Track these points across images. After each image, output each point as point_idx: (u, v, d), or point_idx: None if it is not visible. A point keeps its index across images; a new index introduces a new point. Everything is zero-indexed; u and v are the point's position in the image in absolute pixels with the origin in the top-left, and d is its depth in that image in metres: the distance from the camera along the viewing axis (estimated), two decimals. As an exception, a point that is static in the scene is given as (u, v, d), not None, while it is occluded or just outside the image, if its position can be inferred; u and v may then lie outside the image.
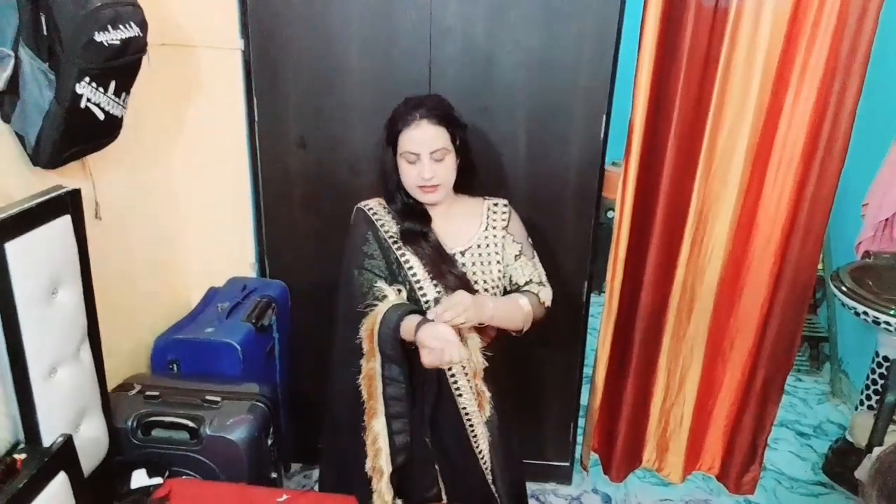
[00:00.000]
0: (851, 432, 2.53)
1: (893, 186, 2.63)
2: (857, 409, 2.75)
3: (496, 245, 1.70)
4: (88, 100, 1.55)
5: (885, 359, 2.53)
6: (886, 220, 2.69)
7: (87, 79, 1.52)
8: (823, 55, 1.84)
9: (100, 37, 1.49)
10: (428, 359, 1.44)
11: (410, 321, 1.51)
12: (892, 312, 2.32)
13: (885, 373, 2.48)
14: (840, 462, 2.62)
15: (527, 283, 1.72)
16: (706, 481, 2.55)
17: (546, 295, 1.72)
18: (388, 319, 1.53)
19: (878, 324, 2.36)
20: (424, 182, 1.58)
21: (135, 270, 2.08)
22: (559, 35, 2.02)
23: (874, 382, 2.60)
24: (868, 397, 2.63)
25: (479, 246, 1.69)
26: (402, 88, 2.01)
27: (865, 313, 2.38)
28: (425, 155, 1.56)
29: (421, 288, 1.63)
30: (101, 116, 1.61)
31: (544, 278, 1.75)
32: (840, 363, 3.36)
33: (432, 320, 1.46)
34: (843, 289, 2.47)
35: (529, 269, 1.72)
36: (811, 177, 1.96)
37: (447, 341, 1.41)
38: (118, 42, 1.55)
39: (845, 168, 1.93)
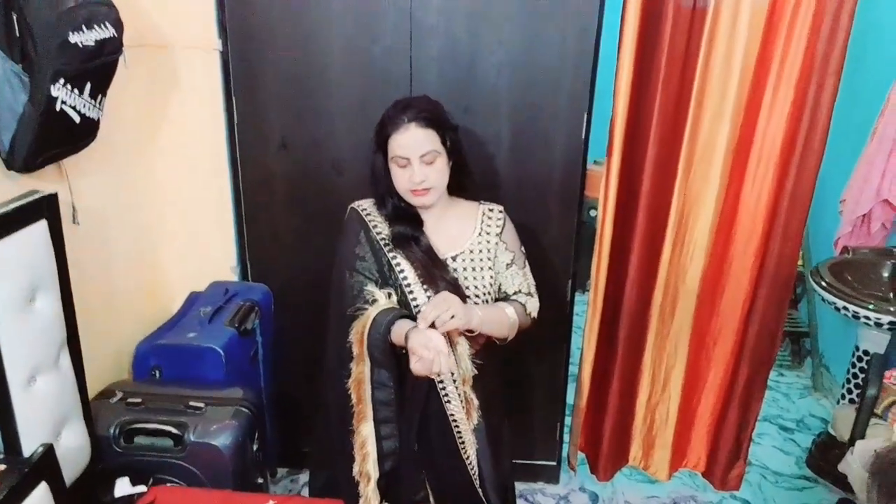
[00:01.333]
0: (834, 426, 2.56)
1: (869, 182, 2.67)
2: (838, 402, 2.79)
3: (489, 251, 1.69)
4: (63, 102, 1.52)
5: (865, 353, 2.56)
6: (863, 215, 2.73)
7: (62, 80, 1.49)
8: (800, 53, 1.86)
9: (74, 38, 1.47)
10: (417, 367, 1.43)
11: (401, 326, 1.50)
12: (871, 307, 2.35)
13: (866, 367, 2.51)
14: (823, 455, 2.65)
15: (515, 293, 1.72)
16: (692, 478, 2.57)
17: (533, 306, 1.73)
18: (377, 324, 1.52)
19: (858, 318, 2.38)
20: (416, 186, 1.57)
21: (114, 275, 2.04)
22: (541, 34, 2.02)
23: (855, 376, 2.63)
24: (849, 391, 2.66)
25: (471, 251, 1.68)
26: (383, 88, 2.02)
27: (845, 308, 2.40)
28: (415, 159, 1.55)
29: (412, 292, 1.61)
30: (77, 119, 1.58)
31: (533, 289, 1.75)
32: (821, 358, 3.40)
33: (435, 328, 1.45)
34: (823, 284, 2.50)
35: (519, 280, 1.72)
36: (790, 174, 1.98)
37: (438, 352, 1.41)
38: (93, 43, 1.53)
39: (822, 165, 1.96)
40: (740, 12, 1.85)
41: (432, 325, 1.46)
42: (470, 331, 1.55)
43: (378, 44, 2.05)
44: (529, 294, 1.73)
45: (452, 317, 1.46)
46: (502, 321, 1.63)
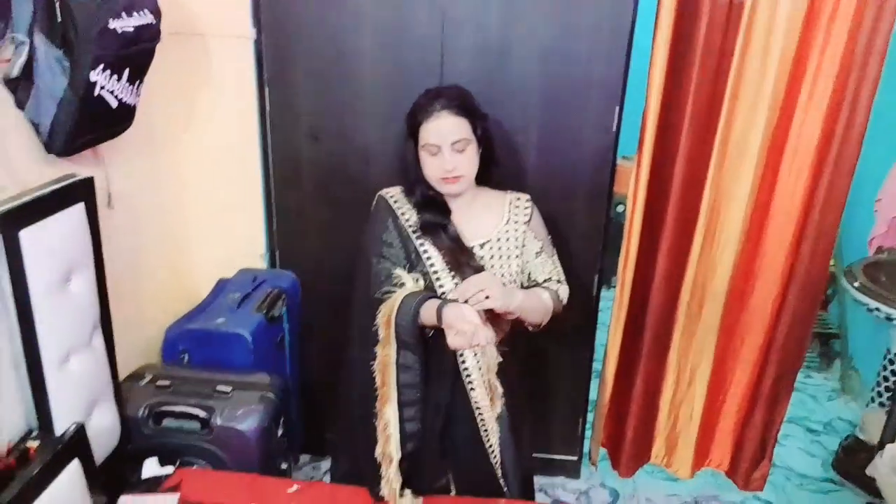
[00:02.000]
0: (862, 429, 2.52)
1: (907, 183, 2.62)
2: (867, 405, 2.74)
3: (517, 240, 1.70)
4: (102, 87, 1.54)
5: (897, 356, 2.52)
6: (899, 216, 2.68)
7: (102, 66, 1.52)
8: (839, 51, 1.83)
9: (114, 24, 1.49)
10: (457, 341, 1.41)
11: (431, 305, 1.51)
12: (905, 309, 2.31)
13: (897, 370, 2.47)
14: (850, 459, 2.61)
15: (546, 281, 1.73)
16: (715, 477, 2.54)
17: (564, 292, 1.74)
18: (405, 306, 1.53)
19: (892, 320, 2.34)
20: (446, 174, 1.58)
21: (146, 260, 2.08)
22: (573, 26, 2.00)
23: (885, 379, 2.59)
24: (879, 394, 2.62)
25: (499, 239, 1.69)
26: (413, 79, 2.01)
27: (878, 309, 2.36)
28: (446, 146, 1.56)
29: (438, 279, 1.63)
30: (115, 104, 1.61)
31: (562, 276, 1.76)
32: (851, 360, 3.34)
33: (455, 300, 1.45)
34: (856, 285, 2.46)
35: (549, 267, 1.74)
36: (825, 173, 1.94)
37: (475, 324, 1.41)
38: (132, 29, 1.55)
39: (859, 163, 1.92)
40: (779, 7, 1.82)
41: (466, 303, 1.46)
42: (508, 313, 1.55)
43: (409, 34, 2.05)
44: (560, 281, 1.75)
45: (487, 297, 1.46)
46: (538, 306, 1.65)
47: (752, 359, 2.20)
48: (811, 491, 2.61)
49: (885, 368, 2.59)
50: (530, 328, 1.69)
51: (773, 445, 2.28)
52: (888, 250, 2.68)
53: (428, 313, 1.51)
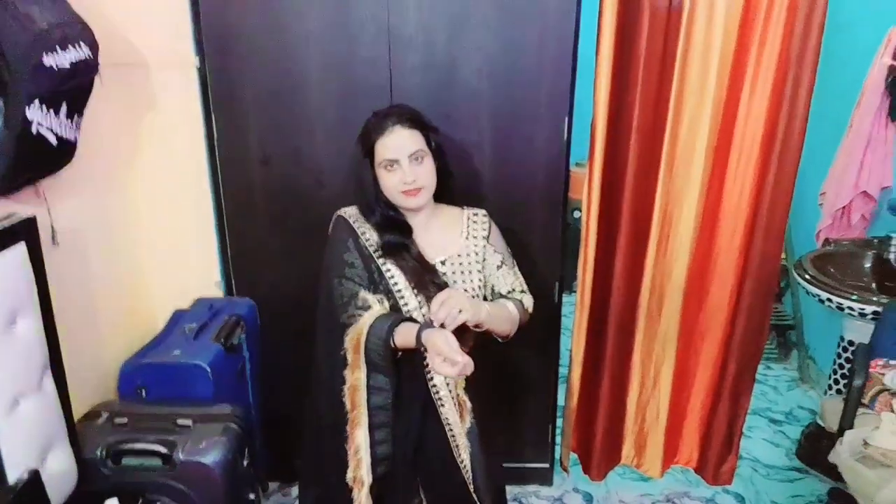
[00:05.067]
0: (822, 417, 2.58)
1: (848, 175, 2.70)
2: (826, 393, 2.81)
3: (477, 255, 1.71)
4: (40, 124, 1.50)
5: (851, 343, 2.58)
6: (843, 207, 2.76)
7: (38, 101, 1.47)
8: (776, 49, 1.88)
9: (48, 59, 1.45)
10: (445, 369, 1.40)
11: (407, 329, 1.50)
12: (854, 297, 2.37)
13: (851, 357, 2.54)
14: (813, 447, 2.67)
15: (510, 292, 1.74)
16: (685, 474, 2.58)
17: (529, 301, 1.76)
18: (376, 329, 1.52)
19: (842, 309, 2.41)
20: (407, 186, 1.58)
21: (97, 295, 2.02)
22: (518, 40, 2.03)
23: (841, 367, 2.66)
24: (836, 381, 2.68)
25: (459, 255, 1.69)
26: (363, 99, 2.01)
27: (829, 300, 2.43)
28: (404, 159, 1.56)
29: (402, 297, 1.62)
30: (54, 141, 1.56)
31: (525, 286, 1.78)
32: (807, 349, 3.43)
33: (432, 325, 1.45)
34: (807, 277, 2.53)
35: (511, 279, 1.75)
36: (770, 169, 1.99)
37: (464, 354, 1.39)
38: (67, 65, 1.51)
39: (802, 158, 1.97)
40: (715, 11, 1.87)
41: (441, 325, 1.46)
42: (478, 325, 1.56)
43: (357, 55, 2.05)
44: (523, 291, 1.77)
45: (460, 311, 1.46)
46: (505, 316, 1.66)
47: (713, 355, 2.25)
48: (778, 480, 2.67)
49: (839, 356, 2.66)
50: (499, 339, 1.70)
51: (739, 438, 2.32)
52: (835, 242, 2.75)
53: (404, 337, 1.50)
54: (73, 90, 1.58)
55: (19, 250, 1.51)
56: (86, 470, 1.74)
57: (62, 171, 1.70)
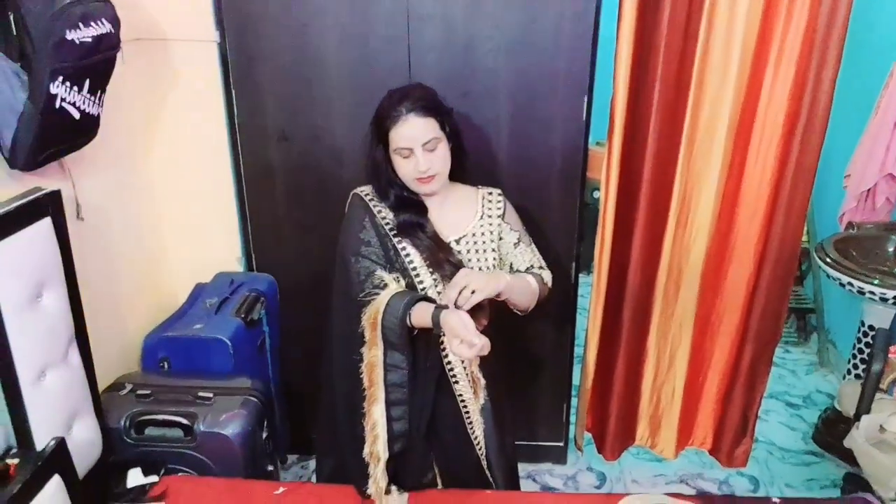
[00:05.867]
0: (839, 401, 2.56)
1: (873, 157, 2.65)
2: (844, 378, 2.79)
3: (491, 233, 1.71)
4: (63, 99, 1.52)
5: (871, 328, 2.55)
6: (868, 190, 2.71)
7: (61, 78, 1.50)
8: (801, 29, 1.84)
9: (71, 35, 1.47)
10: (462, 351, 1.42)
11: (423, 308, 1.51)
12: (875, 282, 2.34)
13: (871, 342, 2.51)
14: (829, 431, 2.66)
15: (528, 269, 1.75)
16: (699, 456, 2.59)
17: (548, 276, 1.77)
18: (392, 307, 1.53)
19: (863, 293, 2.38)
20: (421, 174, 1.58)
21: (120, 269, 2.06)
22: (538, 17, 2.01)
23: (860, 352, 2.63)
24: (855, 366, 2.66)
25: (474, 234, 1.70)
26: (381, 77, 2.01)
27: (850, 283, 2.40)
28: (418, 148, 1.56)
29: (418, 276, 1.63)
30: (77, 116, 1.59)
31: (543, 263, 1.79)
32: (827, 333, 3.40)
33: (458, 306, 1.46)
34: (828, 260, 2.50)
35: (529, 256, 1.76)
36: (793, 151, 1.96)
37: (480, 335, 1.41)
38: (90, 39, 1.53)
39: (826, 140, 1.94)
40: (740, -12, 1.83)
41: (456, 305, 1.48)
42: (498, 296, 1.56)
43: (375, 32, 2.04)
44: (542, 267, 1.77)
45: (473, 292, 1.48)
46: (525, 289, 1.66)
47: (730, 337, 2.23)
48: (793, 464, 2.66)
49: (859, 341, 2.64)
50: (519, 313, 1.70)
51: (755, 421, 2.32)
52: (858, 225, 2.71)
53: (420, 317, 1.51)
54: (95, 65, 1.59)
55: (45, 224, 1.54)
56: (110, 439, 1.80)
57: (86, 146, 1.73)
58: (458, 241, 1.68)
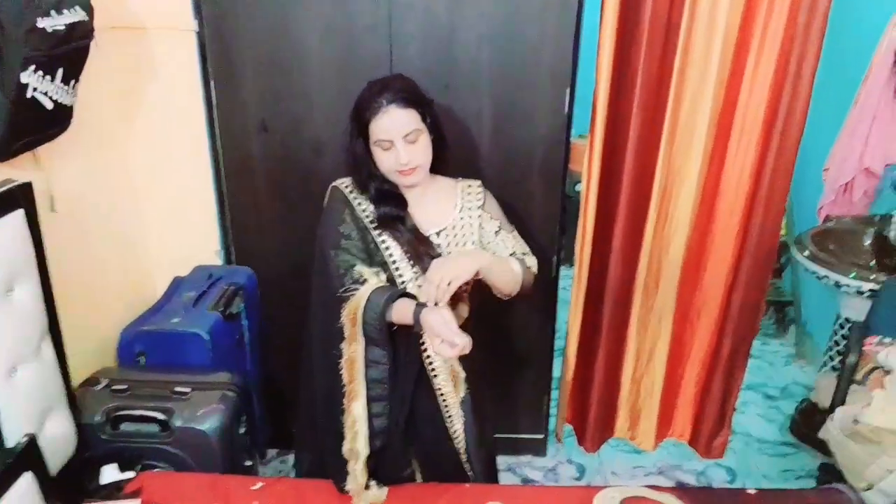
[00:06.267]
0: (816, 393, 2.60)
1: (852, 151, 2.67)
2: (821, 370, 2.82)
3: (471, 226, 1.70)
4: (35, 89, 1.49)
5: (848, 320, 2.58)
6: (846, 184, 2.74)
7: (33, 67, 1.46)
8: (782, 22, 1.85)
9: (43, 22, 1.44)
10: (444, 350, 1.43)
11: (404, 305, 1.50)
12: (852, 275, 2.37)
13: (847, 334, 2.54)
14: (806, 422, 2.70)
15: (511, 255, 1.72)
16: (678, 447, 2.60)
17: (533, 262, 1.74)
18: (372, 303, 1.52)
19: (840, 287, 2.41)
20: (402, 166, 1.56)
21: (96, 262, 2.03)
22: (521, 9, 2.00)
23: (837, 344, 2.67)
24: (831, 358, 2.70)
25: (454, 227, 1.69)
26: (362, 67, 1.99)
27: (827, 277, 2.42)
28: (398, 140, 1.54)
29: (398, 269, 1.62)
30: (50, 106, 1.55)
31: (528, 249, 1.76)
32: (805, 326, 3.44)
33: (437, 302, 1.46)
34: (806, 253, 2.52)
35: (511, 243, 1.73)
36: (772, 144, 1.97)
37: (462, 334, 1.42)
38: (63, 27, 1.49)
39: (805, 134, 1.96)
40: (722, -20, 1.83)
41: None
42: (477, 273, 1.55)
43: (356, 22, 2.02)
44: (525, 254, 1.75)
45: (449, 283, 1.46)
46: (506, 270, 1.64)
47: (709, 330, 2.25)
48: (769, 455, 2.70)
49: (835, 333, 2.67)
50: (503, 297, 1.68)
51: (732, 413, 2.34)
52: (836, 219, 2.74)
53: (401, 313, 1.50)
54: (68, 54, 1.56)
55: (16, 217, 1.51)
56: (85, 435, 1.77)
57: (60, 137, 1.69)
58: (438, 234, 1.67)
